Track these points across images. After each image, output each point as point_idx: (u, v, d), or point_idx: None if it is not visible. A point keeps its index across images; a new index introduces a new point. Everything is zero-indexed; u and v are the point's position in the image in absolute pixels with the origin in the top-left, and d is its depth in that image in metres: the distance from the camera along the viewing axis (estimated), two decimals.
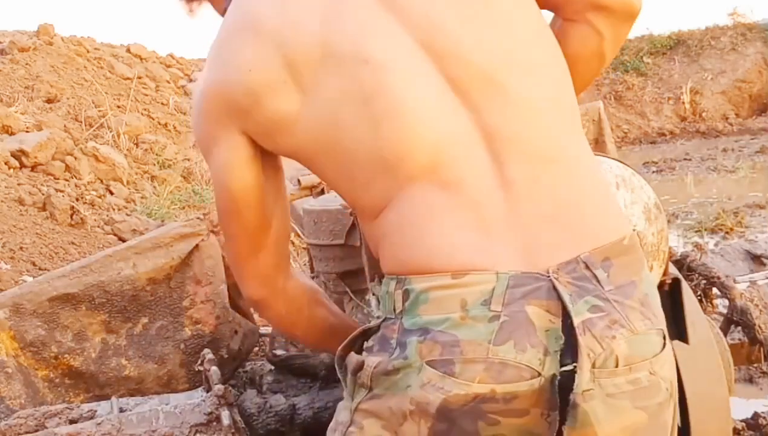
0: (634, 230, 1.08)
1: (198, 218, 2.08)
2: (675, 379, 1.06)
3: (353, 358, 1.04)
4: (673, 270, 1.53)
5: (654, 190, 1.43)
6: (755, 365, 2.64)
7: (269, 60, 1.03)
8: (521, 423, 0.96)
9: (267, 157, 1.13)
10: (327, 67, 1.02)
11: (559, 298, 0.96)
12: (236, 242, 1.18)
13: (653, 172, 9.20)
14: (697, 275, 2.26)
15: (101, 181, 5.80)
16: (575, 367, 0.95)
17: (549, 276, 0.97)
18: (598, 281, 0.98)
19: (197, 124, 1.13)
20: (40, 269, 3.50)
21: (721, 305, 2.30)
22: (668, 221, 1.54)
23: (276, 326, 1.45)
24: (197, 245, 1.92)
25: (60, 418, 1.62)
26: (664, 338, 1.04)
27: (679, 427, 1.61)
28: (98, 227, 4.54)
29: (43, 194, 4.62)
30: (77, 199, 5.00)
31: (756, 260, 2.55)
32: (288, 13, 1.04)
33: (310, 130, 1.04)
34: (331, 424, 1.08)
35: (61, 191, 4.96)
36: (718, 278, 2.19)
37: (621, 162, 1.43)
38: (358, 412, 1.03)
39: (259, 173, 1.12)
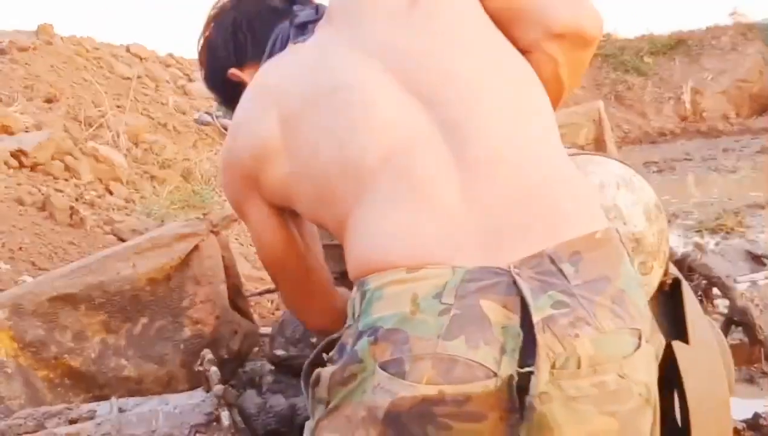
0: (612, 227, 1.03)
1: (198, 218, 2.08)
2: (653, 383, 0.98)
3: (314, 372, 1.00)
4: (674, 270, 1.53)
5: (654, 190, 1.43)
6: (756, 365, 2.64)
7: (269, 117, 1.12)
8: (478, 429, 0.90)
9: (294, 213, 1.21)
10: (306, 112, 1.09)
11: (519, 294, 0.91)
12: (287, 289, 1.31)
13: (654, 172, 9.20)
14: (697, 275, 2.26)
15: (101, 181, 5.79)
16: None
17: (509, 271, 0.92)
18: (564, 276, 0.93)
19: (225, 192, 1.26)
20: (39, 269, 3.50)
21: (722, 305, 2.30)
22: (669, 221, 1.54)
23: None
24: (197, 245, 1.92)
25: (59, 418, 1.62)
26: (640, 338, 0.96)
27: (679, 427, 1.62)
28: (98, 227, 4.54)
29: (42, 194, 4.62)
30: (77, 200, 4.99)
31: (756, 260, 2.55)
32: (284, 73, 1.17)
33: (301, 179, 1.10)
34: None
35: (61, 191, 4.96)
36: (719, 278, 2.20)
37: (622, 162, 1.43)
38: (318, 430, 0.98)
39: (289, 231, 1.22)
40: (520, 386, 0.90)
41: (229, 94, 1.33)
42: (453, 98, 1.05)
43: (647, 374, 0.97)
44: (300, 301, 1.32)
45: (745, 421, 2.54)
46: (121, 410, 1.64)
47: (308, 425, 1.02)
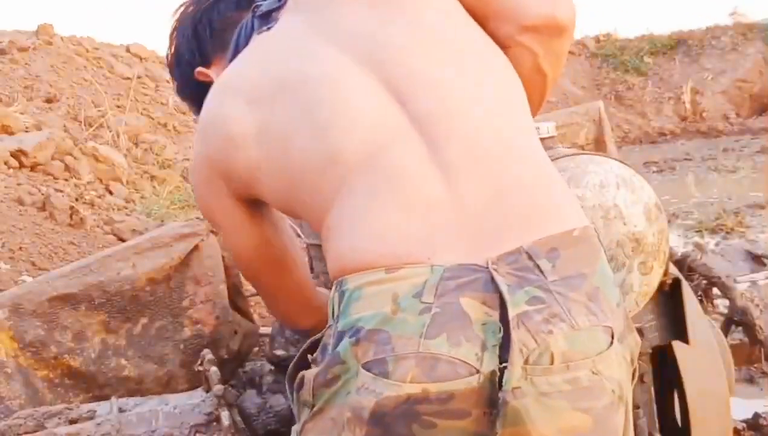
0: (590, 225, 1.03)
1: (198, 218, 2.08)
2: (626, 381, 0.98)
3: (298, 375, 1.00)
4: (674, 270, 1.53)
5: (654, 190, 1.43)
6: (755, 365, 2.64)
7: (236, 102, 1.09)
8: (463, 426, 0.90)
9: (267, 209, 1.19)
10: (278, 99, 1.07)
11: (498, 290, 0.91)
12: (265, 290, 1.29)
13: (654, 172, 9.20)
14: (697, 275, 2.27)
15: (101, 181, 5.79)
16: None
17: (488, 267, 0.92)
18: (541, 271, 0.93)
19: (197, 198, 1.22)
20: (39, 269, 3.50)
21: (722, 305, 2.30)
22: (669, 221, 1.54)
23: None
24: (197, 245, 1.92)
25: (59, 418, 1.62)
26: (613, 335, 0.96)
27: (679, 427, 1.62)
28: (98, 227, 4.54)
29: (42, 194, 4.62)
30: (77, 200, 4.99)
31: (756, 260, 2.55)
32: (249, 63, 1.14)
33: (272, 171, 1.08)
34: None
35: (61, 191, 4.96)
36: (719, 278, 2.20)
37: (621, 162, 1.43)
38: (304, 433, 0.98)
39: (262, 230, 1.19)
40: (501, 382, 0.90)
41: (201, 99, 1.29)
42: (429, 94, 1.04)
43: (619, 372, 0.97)
44: (279, 302, 1.30)
45: (745, 421, 2.54)
46: (121, 410, 1.64)
47: (295, 429, 1.02)
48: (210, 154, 1.13)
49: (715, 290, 2.27)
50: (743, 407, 2.61)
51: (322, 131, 1.03)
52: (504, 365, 0.90)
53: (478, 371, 0.89)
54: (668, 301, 1.48)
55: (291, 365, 1.03)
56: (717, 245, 5.06)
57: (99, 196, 5.39)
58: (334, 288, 1.00)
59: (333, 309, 0.98)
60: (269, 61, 1.11)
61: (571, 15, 1.16)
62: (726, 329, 2.13)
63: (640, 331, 1.46)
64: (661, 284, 1.43)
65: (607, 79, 13.37)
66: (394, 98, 1.04)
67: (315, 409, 0.96)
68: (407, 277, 0.92)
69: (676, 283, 1.47)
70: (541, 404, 0.90)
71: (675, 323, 1.49)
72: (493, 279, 0.92)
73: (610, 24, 24.32)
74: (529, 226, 0.97)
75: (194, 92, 1.39)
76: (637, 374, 1.05)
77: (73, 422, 1.61)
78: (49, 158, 5.47)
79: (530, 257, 0.94)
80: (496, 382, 0.90)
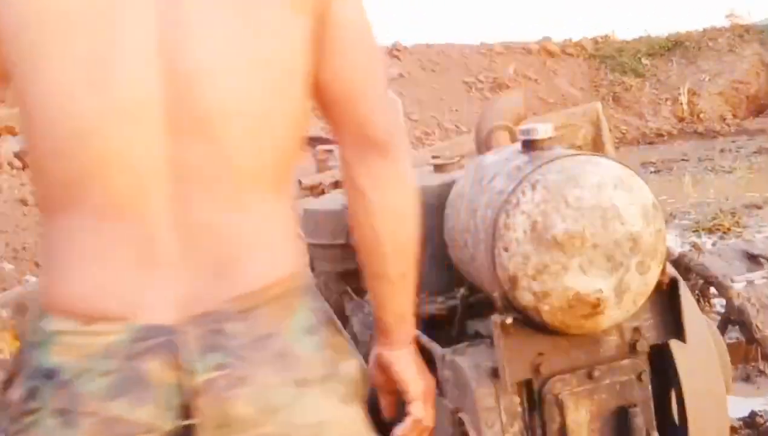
0: (297, 272, 1.00)
1: None
2: (335, 419, 0.99)
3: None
4: (671, 270, 1.54)
5: (652, 191, 1.44)
6: (752, 363, 2.66)
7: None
8: None
9: None
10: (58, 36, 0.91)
11: (187, 354, 0.91)
12: None
13: (651, 172, 9.22)
14: (694, 275, 2.28)
15: None
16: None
17: (178, 330, 0.91)
18: (230, 335, 0.93)
19: None
20: None
21: (719, 304, 2.32)
22: (666, 221, 1.55)
23: None
24: None
25: None
26: (306, 386, 0.96)
27: (677, 425, 1.63)
28: None
29: None
30: None
31: (753, 259, 2.56)
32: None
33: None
34: None
35: None
36: (716, 277, 2.21)
37: (619, 162, 1.44)
38: None
39: None
40: None
41: None
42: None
43: (314, 415, 0.97)
44: None
45: (742, 419, 2.56)
46: None
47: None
48: None
49: (712, 290, 2.28)
50: (740, 406, 2.63)
51: (85, 137, 0.92)
52: (188, 421, 0.91)
53: (155, 431, 0.91)
54: (666, 300, 1.49)
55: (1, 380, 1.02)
56: (714, 244, 5.08)
57: None
58: (38, 312, 0.97)
59: (32, 331, 0.97)
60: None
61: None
62: (723, 328, 2.15)
63: (638, 330, 1.48)
64: (659, 284, 1.44)
65: (605, 80, 13.40)
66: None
67: (19, 427, 0.95)
68: (99, 333, 0.92)
69: (674, 282, 1.48)
70: None
71: (672, 322, 1.50)
72: (180, 342, 0.91)
73: (608, 26, 24.43)
74: (225, 284, 0.95)
75: None
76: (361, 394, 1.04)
77: None
78: None
79: (221, 320, 0.93)
80: None
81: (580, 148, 2.61)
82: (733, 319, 2.13)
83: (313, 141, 3.24)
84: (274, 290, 0.97)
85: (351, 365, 1.03)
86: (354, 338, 2.24)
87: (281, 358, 0.95)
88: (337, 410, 1.00)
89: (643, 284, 1.39)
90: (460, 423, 1.46)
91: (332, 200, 2.25)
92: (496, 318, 1.38)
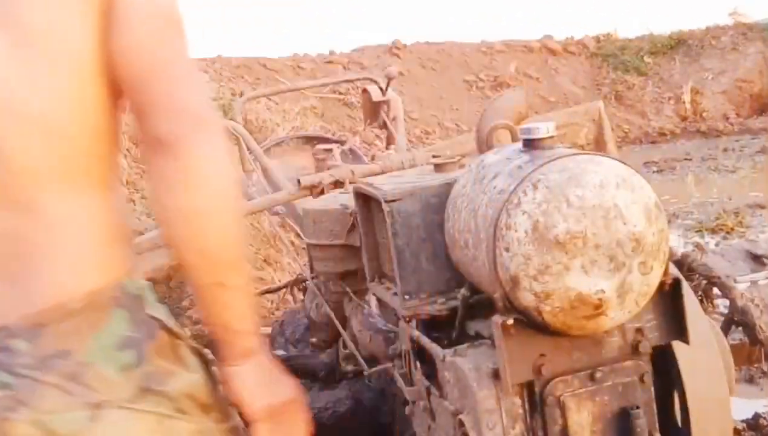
0: (122, 283, 0.94)
1: None
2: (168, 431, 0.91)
3: None
4: (674, 270, 1.53)
5: (654, 190, 1.42)
6: (756, 365, 2.64)
7: None
8: None
9: None
10: None
11: None
12: None
13: (654, 172, 9.21)
14: (697, 275, 2.26)
15: None
16: None
17: None
18: (17, 353, 0.86)
19: None
20: None
21: (722, 305, 2.30)
22: (669, 221, 1.54)
23: None
24: None
25: None
26: (101, 408, 0.88)
27: (679, 427, 1.62)
28: None
29: None
30: None
31: (756, 260, 2.55)
32: None
33: None
34: None
35: None
36: (719, 278, 2.20)
37: (621, 162, 1.43)
38: None
39: None
40: None
41: None
42: None
43: (139, 431, 0.89)
44: None
45: (745, 421, 2.54)
46: None
47: None
48: None
49: (716, 290, 2.27)
50: (743, 407, 2.62)
51: None
52: None
53: None
54: (668, 301, 1.48)
55: None
56: (717, 244, 5.08)
57: None
58: None
59: None
60: None
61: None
62: (726, 329, 2.13)
63: (640, 331, 1.46)
64: (661, 284, 1.43)
65: (607, 79, 13.39)
66: None
67: None
68: None
69: (676, 283, 1.47)
70: None
71: (675, 324, 1.49)
72: None
73: (610, 24, 24.36)
74: (17, 296, 0.88)
75: None
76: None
77: None
78: None
79: (9, 336, 0.86)
80: None
81: (582, 147, 2.59)
82: (736, 320, 2.11)
83: (312, 140, 3.24)
84: (74, 304, 0.89)
85: (186, 379, 0.96)
86: (354, 338, 2.23)
87: (71, 379, 0.87)
88: (152, 432, 0.90)
89: (645, 284, 1.38)
90: (461, 425, 1.45)
91: (332, 200, 2.24)
92: (497, 319, 1.37)
